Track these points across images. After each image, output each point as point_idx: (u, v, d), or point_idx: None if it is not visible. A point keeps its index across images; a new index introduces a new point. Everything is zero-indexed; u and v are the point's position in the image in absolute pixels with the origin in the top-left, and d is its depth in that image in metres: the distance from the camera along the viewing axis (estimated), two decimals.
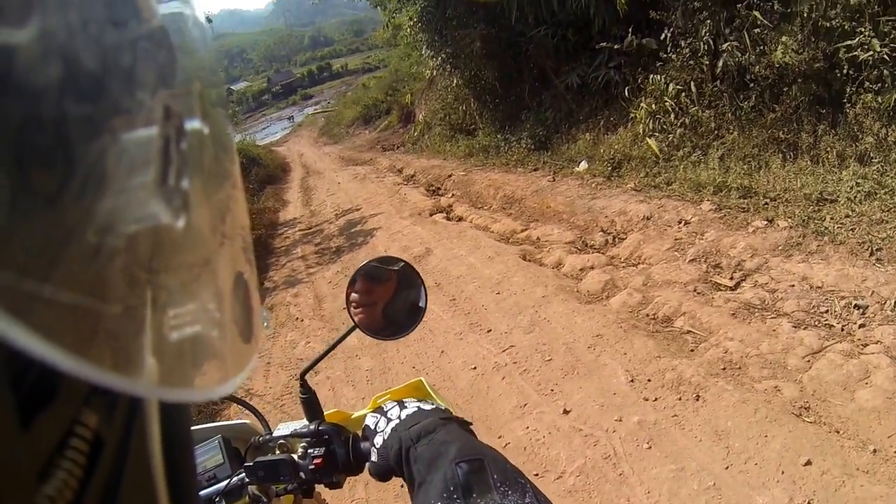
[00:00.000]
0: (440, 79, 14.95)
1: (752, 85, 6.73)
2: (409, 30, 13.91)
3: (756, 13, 6.62)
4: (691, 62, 7.47)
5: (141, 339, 0.31)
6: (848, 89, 5.83)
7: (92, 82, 0.29)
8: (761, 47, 6.66)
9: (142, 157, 0.32)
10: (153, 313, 0.32)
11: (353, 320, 1.29)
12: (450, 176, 10.81)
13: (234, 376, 0.38)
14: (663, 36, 7.75)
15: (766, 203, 5.52)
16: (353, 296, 1.29)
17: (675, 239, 5.50)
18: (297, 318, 6.54)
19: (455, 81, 13.30)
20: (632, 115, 8.33)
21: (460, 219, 8.42)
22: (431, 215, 8.83)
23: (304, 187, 16.26)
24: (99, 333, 0.28)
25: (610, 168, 7.86)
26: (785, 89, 6.43)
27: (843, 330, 3.77)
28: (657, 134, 7.68)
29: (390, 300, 1.31)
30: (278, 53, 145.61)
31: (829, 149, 5.75)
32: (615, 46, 8.58)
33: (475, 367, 4.39)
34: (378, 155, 18.20)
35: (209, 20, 9.80)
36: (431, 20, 12.40)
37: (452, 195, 9.78)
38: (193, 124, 0.38)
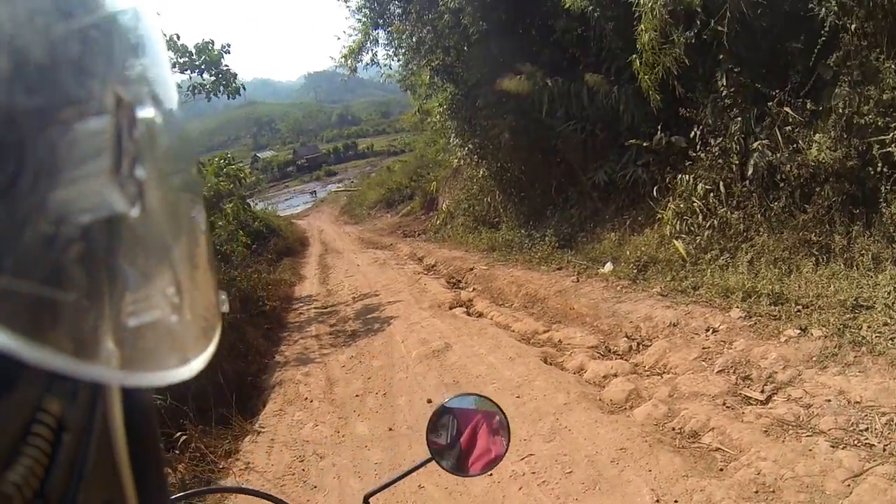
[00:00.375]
0: (466, 168, 15.22)
1: (782, 185, 6.66)
2: (438, 116, 14.20)
3: (788, 109, 6.70)
4: (720, 161, 7.47)
5: (100, 326, 0.32)
6: (883, 188, 5.78)
7: (42, 73, 0.30)
8: (794, 145, 6.65)
9: (94, 146, 0.32)
10: (111, 300, 0.33)
11: (430, 451, 1.32)
12: (471, 269, 10.82)
13: (195, 360, 0.38)
14: (693, 133, 7.83)
15: (799, 310, 5.38)
16: (434, 431, 1.34)
17: (703, 348, 5.38)
18: (307, 399, 6.44)
19: (481, 172, 13.60)
20: (659, 215, 8.35)
21: (480, 315, 8.30)
22: (451, 308, 8.77)
23: (321, 264, 16.42)
24: (58, 321, 0.29)
25: (635, 270, 7.79)
26: (817, 189, 6.34)
27: (885, 450, 3.58)
28: (684, 236, 7.64)
29: (468, 436, 1.33)
30: (306, 127, 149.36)
31: (863, 251, 5.65)
32: (644, 144, 8.70)
33: (491, 474, 4.25)
34: (399, 241, 18.31)
35: (243, 87, 9.99)
36: (461, 108, 12.79)
37: (474, 289, 9.77)
38: (146, 112, 0.38)
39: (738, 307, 5.81)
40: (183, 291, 0.40)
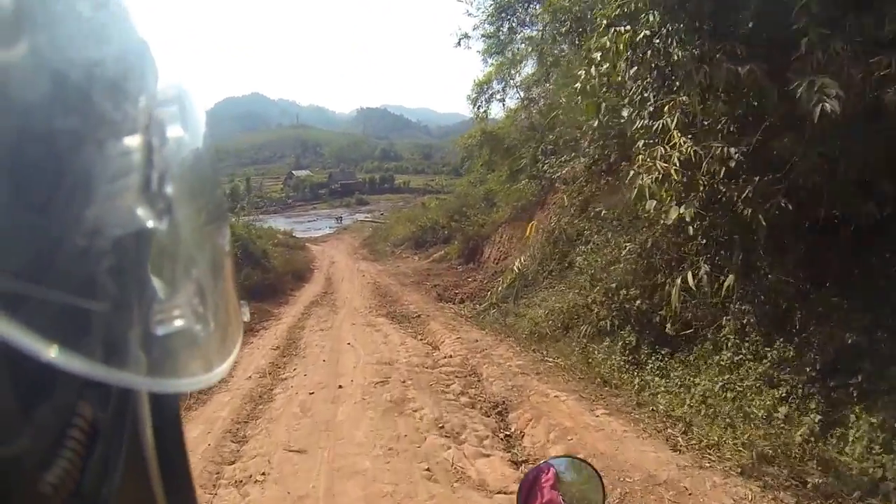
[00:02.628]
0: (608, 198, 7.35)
1: None
2: (620, 64, 5.43)
3: None
4: None
5: (129, 334, 0.31)
6: None
7: (79, 96, 0.29)
8: None
9: (126, 164, 0.32)
10: (140, 309, 0.33)
11: None
12: None
13: (219, 366, 0.38)
14: None
15: None
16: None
17: None
18: None
19: (686, 210, 4.58)
20: None
21: None
22: None
23: (290, 337, 8.67)
24: (90, 329, 0.28)
25: None
26: None
27: None
28: None
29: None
30: (349, 155, 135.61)
31: None
32: None
33: None
34: (432, 307, 10.70)
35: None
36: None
37: None
38: (176, 131, 0.38)
39: None
40: (207, 301, 0.39)
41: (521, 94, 16.04)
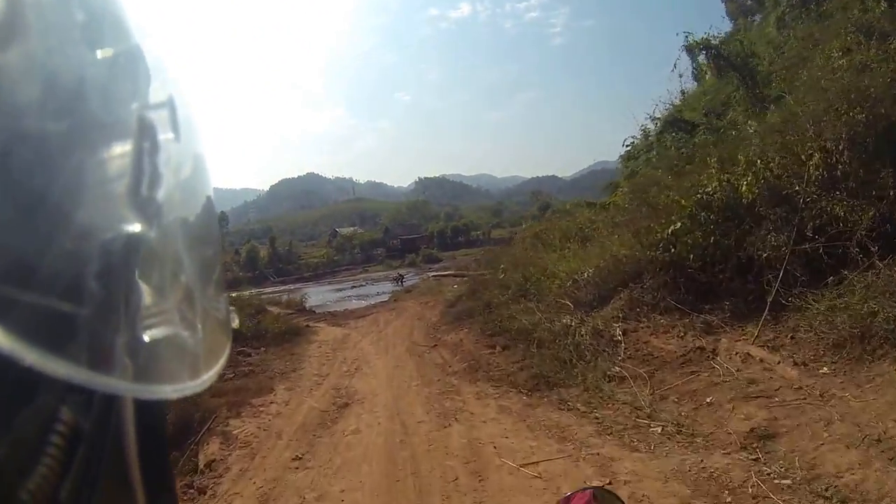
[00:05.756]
0: None
1: None
2: None
3: None
4: None
5: (115, 339, 0.30)
6: None
7: (71, 99, 0.28)
8: None
9: (117, 168, 0.31)
10: (127, 315, 0.31)
11: None
12: None
13: (206, 373, 0.36)
14: None
15: None
16: None
17: None
18: None
19: None
20: None
21: None
22: None
23: None
24: (75, 334, 0.27)
25: None
26: None
27: None
28: None
29: None
30: (410, 221, 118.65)
31: None
32: None
33: None
34: None
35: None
36: None
37: None
38: (167, 136, 0.37)
39: None
40: (196, 308, 0.38)
41: None
